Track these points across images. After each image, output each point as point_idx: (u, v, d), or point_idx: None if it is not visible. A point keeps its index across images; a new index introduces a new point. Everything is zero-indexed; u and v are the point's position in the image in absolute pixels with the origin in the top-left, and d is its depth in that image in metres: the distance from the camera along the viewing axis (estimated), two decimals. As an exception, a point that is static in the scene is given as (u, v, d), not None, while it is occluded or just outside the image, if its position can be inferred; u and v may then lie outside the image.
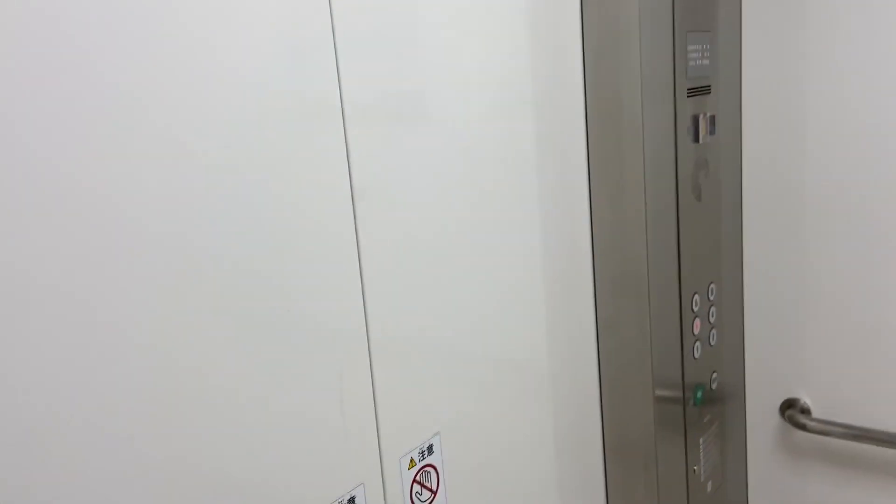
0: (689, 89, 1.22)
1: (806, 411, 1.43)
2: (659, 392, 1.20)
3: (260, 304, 0.71)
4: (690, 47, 1.21)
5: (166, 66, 0.62)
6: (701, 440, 1.33)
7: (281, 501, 0.74)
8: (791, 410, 1.43)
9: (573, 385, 1.19)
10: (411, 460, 0.88)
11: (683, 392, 1.27)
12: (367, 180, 0.81)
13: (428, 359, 0.91)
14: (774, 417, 1.47)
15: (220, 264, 0.67)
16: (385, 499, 0.85)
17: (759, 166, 1.40)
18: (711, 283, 1.34)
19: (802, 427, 1.41)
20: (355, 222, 0.80)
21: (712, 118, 1.29)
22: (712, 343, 1.35)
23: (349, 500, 0.81)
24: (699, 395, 1.31)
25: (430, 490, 0.91)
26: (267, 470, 0.73)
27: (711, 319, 1.34)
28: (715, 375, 1.36)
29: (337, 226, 0.78)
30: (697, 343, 1.30)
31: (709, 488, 1.36)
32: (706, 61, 1.26)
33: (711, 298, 1.34)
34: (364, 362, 0.82)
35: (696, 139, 1.25)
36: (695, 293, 1.29)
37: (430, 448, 0.91)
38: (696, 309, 1.29)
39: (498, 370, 1.03)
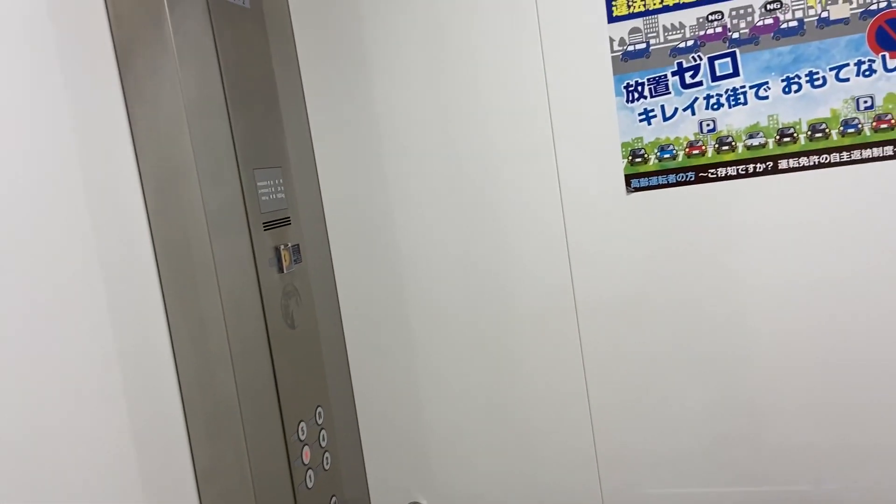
0: (265, 223, 1.25)
1: (426, 514, 1.49)
2: (274, 532, 1.16)
3: None
4: (260, 183, 1.25)
5: None
6: (327, 571, 1.30)
7: None
8: (413, 516, 1.48)
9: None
10: None
11: (301, 525, 1.24)
12: None
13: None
14: (400, 527, 1.51)
15: None
16: None
17: (354, 285, 1.48)
18: (318, 406, 1.35)
19: (425, 530, 1.47)
20: None
21: (296, 247, 1.34)
22: (326, 467, 1.35)
23: None
24: (319, 524, 1.29)
25: None
26: None
27: (323, 443, 1.35)
28: (334, 500, 1.36)
29: None
30: (310, 472, 1.29)
31: None
32: (281, 195, 1.31)
33: (320, 422, 1.35)
34: None
35: (281, 269, 1.28)
36: (300, 421, 1.28)
37: None
38: (303, 437, 1.28)
39: None
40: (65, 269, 0.96)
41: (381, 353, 1.49)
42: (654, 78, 1.29)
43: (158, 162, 1.10)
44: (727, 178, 1.28)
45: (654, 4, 1.27)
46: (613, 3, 1.29)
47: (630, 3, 1.28)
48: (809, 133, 1.23)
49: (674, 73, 1.28)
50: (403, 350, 1.48)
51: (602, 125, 1.31)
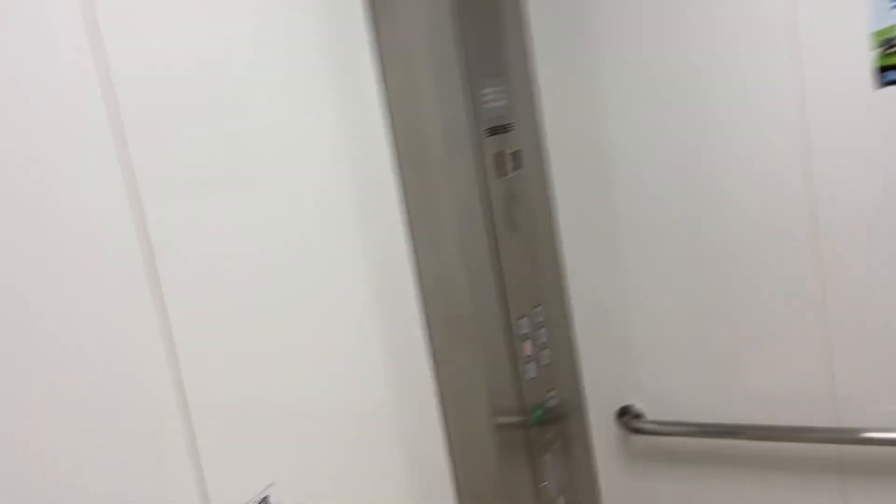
0: (488, 129, 1.30)
1: (639, 416, 1.53)
2: (498, 418, 1.25)
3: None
4: (484, 91, 1.30)
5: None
6: (546, 458, 1.39)
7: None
8: (626, 417, 1.53)
9: (415, 423, 1.21)
10: None
11: (523, 413, 1.33)
12: (166, 238, 0.81)
13: (255, 414, 0.91)
14: (613, 426, 1.56)
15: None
16: None
17: (570, 192, 1.51)
18: (537, 305, 1.42)
19: (638, 431, 1.50)
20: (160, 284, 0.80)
21: (516, 153, 1.39)
22: (545, 363, 1.42)
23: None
24: (539, 413, 1.37)
25: None
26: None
27: (542, 340, 1.42)
28: (552, 393, 1.43)
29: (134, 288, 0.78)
30: (530, 364, 1.36)
31: (561, 502, 1.42)
32: (503, 102, 1.35)
33: (539, 320, 1.42)
34: (178, 421, 0.81)
35: (503, 174, 1.34)
36: (522, 316, 1.36)
37: (264, 500, 0.90)
38: (524, 332, 1.36)
39: (336, 420, 1.04)
40: (317, 182, 1.07)
41: (595, 263, 1.52)
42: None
43: (399, 76, 1.18)
44: None
45: None
46: None
47: None
48: None
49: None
50: (618, 254, 1.49)
51: (849, 11, 1.21)
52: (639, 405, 1.54)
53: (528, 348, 1.36)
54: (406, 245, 1.23)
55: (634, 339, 1.52)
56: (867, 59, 1.21)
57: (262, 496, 0.90)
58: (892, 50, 1.20)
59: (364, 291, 1.12)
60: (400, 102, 1.20)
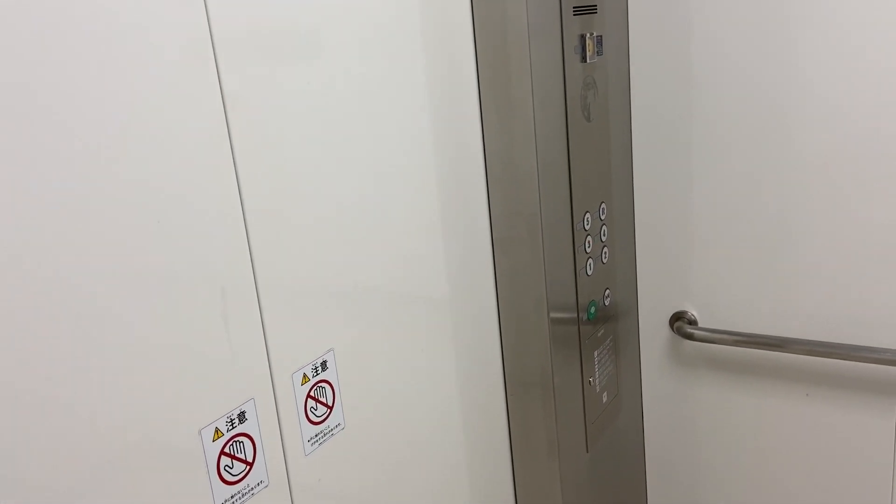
0: (574, 7, 1.22)
1: (693, 322, 1.50)
2: (553, 311, 1.24)
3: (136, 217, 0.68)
4: (574, -35, 1.21)
5: None
6: (595, 354, 1.38)
7: (167, 418, 0.73)
8: (679, 322, 1.50)
9: (471, 308, 1.20)
10: (304, 376, 0.88)
11: (577, 308, 1.31)
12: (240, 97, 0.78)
13: (318, 280, 0.90)
14: (665, 330, 1.54)
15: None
16: (278, 413, 0.85)
17: (647, 86, 1.43)
18: (602, 202, 1.37)
19: (690, 337, 1.49)
20: (229, 133, 0.77)
21: (599, 38, 1.31)
22: (604, 261, 1.39)
23: (238, 414, 0.80)
24: (593, 310, 1.36)
25: (326, 405, 0.92)
26: (147, 388, 0.71)
27: (603, 238, 1.38)
28: (608, 292, 1.41)
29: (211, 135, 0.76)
30: (590, 260, 1.34)
31: (604, 399, 1.42)
32: (591, -20, 1.26)
33: (602, 217, 1.38)
34: (248, 280, 0.80)
35: (584, 59, 1.27)
36: (586, 212, 1.32)
37: (323, 364, 0.91)
38: (587, 227, 1.32)
39: (395, 293, 1.03)
40: (392, 59, 1.02)
41: (664, 164, 1.45)
42: None
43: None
44: None
45: None
46: None
47: None
48: None
49: None
50: (689, 157, 1.43)
51: None
52: (693, 312, 1.51)
53: (589, 244, 1.33)
54: (477, 129, 1.18)
55: (695, 246, 1.47)
56: None
57: (322, 359, 0.91)
58: None
59: (431, 174, 1.09)
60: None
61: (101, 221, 0.66)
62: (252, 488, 0.83)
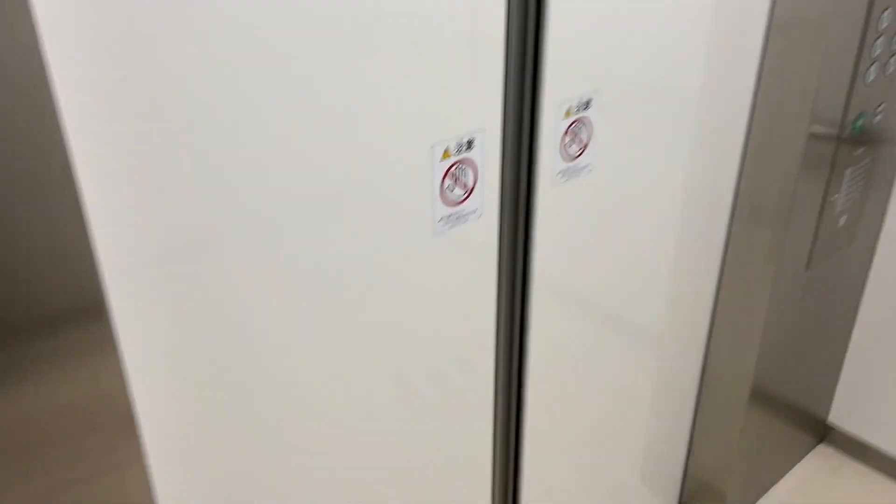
0: None
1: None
2: (815, 126, 1.11)
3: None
4: None
5: None
6: (847, 172, 1.25)
7: (405, 126, 0.77)
8: (959, 160, 1.31)
9: (719, 117, 1.11)
10: (567, 110, 0.89)
11: (844, 116, 1.17)
12: None
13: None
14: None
15: None
16: (539, 143, 0.88)
17: None
18: (909, 0, 1.16)
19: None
20: None
21: None
22: (888, 71, 1.20)
23: (468, 141, 0.83)
24: (859, 124, 1.20)
25: (581, 144, 0.94)
26: (397, 95, 0.74)
27: (895, 46, 1.19)
28: (882, 107, 1.24)
29: None
30: (873, 66, 1.16)
31: (841, 222, 1.31)
32: None
33: (904, 18, 1.17)
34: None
35: None
36: (886, 8, 1.13)
37: (587, 103, 0.91)
38: (882, 27, 1.14)
39: (647, 87, 0.98)
40: None
41: None
42: None
43: None
44: None
45: None
46: None
47: None
48: None
49: None
50: None
51: None
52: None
53: (878, 47, 1.15)
54: None
55: None
56: None
57: (587, 98, 0.91)
58: None
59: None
60: None
61: None
62: (468, 214, 0.87)
